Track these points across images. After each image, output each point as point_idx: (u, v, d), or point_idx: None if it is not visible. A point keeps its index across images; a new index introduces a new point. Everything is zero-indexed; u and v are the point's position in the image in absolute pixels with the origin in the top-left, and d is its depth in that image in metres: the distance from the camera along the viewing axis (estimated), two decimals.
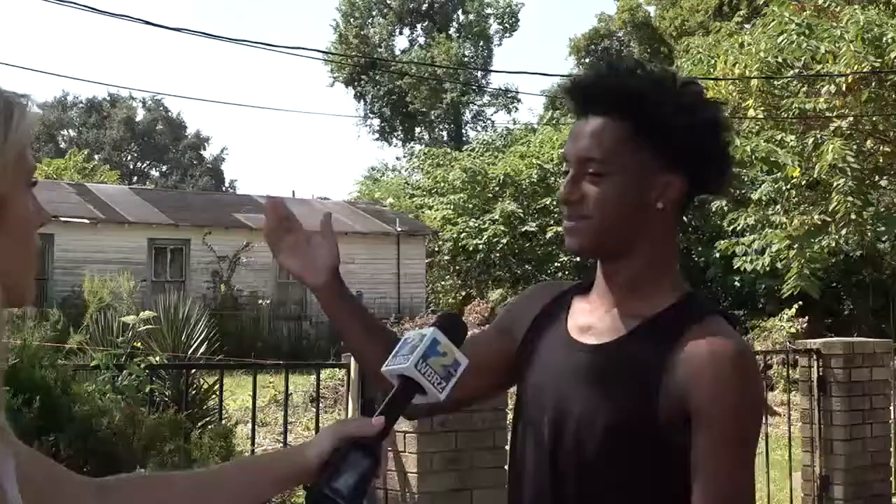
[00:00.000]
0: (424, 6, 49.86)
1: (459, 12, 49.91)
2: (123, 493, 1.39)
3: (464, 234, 25.42)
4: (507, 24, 50.46)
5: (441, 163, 30.88)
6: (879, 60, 11.79)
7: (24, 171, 1.24)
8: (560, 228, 1.79)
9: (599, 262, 1.72)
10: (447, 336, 1.51)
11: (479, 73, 48.82)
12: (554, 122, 31.72)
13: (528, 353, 1.77)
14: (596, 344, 1.66)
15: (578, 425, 1.62)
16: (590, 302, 1.73)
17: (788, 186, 14.01)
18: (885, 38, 11.64)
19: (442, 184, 28.14)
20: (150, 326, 7.23)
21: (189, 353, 7.96)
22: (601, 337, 1.66)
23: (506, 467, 5.05)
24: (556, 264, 24.55)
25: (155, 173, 58.90)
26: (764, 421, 1.83)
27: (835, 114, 12.71)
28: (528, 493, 1.70)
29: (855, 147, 12.76)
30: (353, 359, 3.77)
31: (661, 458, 1.58)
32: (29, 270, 1.25)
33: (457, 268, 26.73)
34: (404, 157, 43.57)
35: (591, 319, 1.70)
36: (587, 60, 41.06)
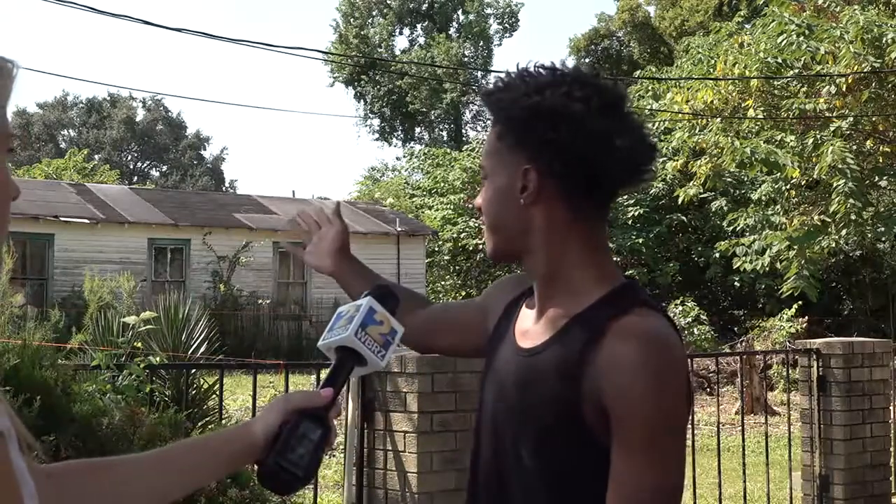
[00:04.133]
0: (424, 6, 49.87)
1: (459, 12, 49.92)
2: (70, 480, 1.36)
3: (464, 234, 25.43)
4: (507, 24, 50.49)
5: (441, 163, 30.88)
6: (879, 61, 11.80)
7: (4, 136, 1.22)
8: None
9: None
10: (382, 305, 1.51)
11: (479, 73, 48.82)
12: None
13: (488, 354, 1.80)
14: (529, 347, 1.67)
15: (516, 429, 1.63)
16: (531, 305, 1.75)
17: (788, 187, 14.02)
18: (884, 39, 11.65)
19: (442, 184, 28.16)
20: (150, 327, 7.23)
21: (189, 353, 7.95)
22: (534, 340, 1.67)
23: None
24: None
25: (155, 173, 58.89)
26: (689, 418, 1.71)
27: (835, 114, 12.71)
28: (481, 498, 1.72)
29: (855, 147, 12.77)
30: None
31: (594, 461, 1.55)
32: (1, 237, 1.22)
33: (457, 268, 26.74)
34: (404, 157, 43.58)
35: (530, 323, 1.72)
36: (587, 60, 41.05)
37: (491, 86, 1.73)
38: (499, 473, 1.67)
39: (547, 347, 1.63)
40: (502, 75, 1.74)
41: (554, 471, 1.59)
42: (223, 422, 5.59)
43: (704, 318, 19.20)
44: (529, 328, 1.71)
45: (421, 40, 49.37)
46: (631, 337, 1.54)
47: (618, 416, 1.52)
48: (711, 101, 13.36)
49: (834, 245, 13.95)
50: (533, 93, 1.64)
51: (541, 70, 1.69)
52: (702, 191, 16.02)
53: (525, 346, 1.68)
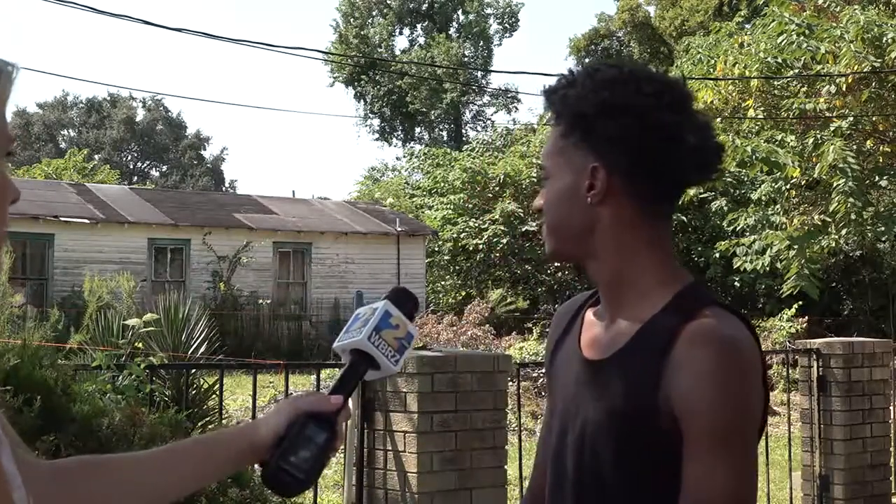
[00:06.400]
0: (424, 6, 49.86)
1: (459, 12, 49.92)
2: (71, 478, 1.35)
3: (464, 234, 25.41)
4: (507, 24, 50.50)
5: (441, 163, 30.87)
6: (879, 60, 11.80)
7: (4, 139, 1.21)
8: None
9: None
10: (399, 309, 1.49)
11: (479, 73, 48.82)
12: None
13: (552, 377, 1.76)
14: (599, 359, 1.64)
15: (594, 444, 1.59)
16: (598, 312, 1.71)
17: (788, 186, 14.01)
18: (885, 38, 11.64)
19: (442, 184, 28.13)
20: (151, 329, 7.24)
21: (189, 353, 7.95)
22: (604, 350, 1.63)
23: (505, 467, 5.05)
24: (556, 264, 24.55)
25: (155, 173, 58.87)
26: (763, 419, 1.65)
27: (835, 114, 12.71)
28: None
29: (855, 147, 12.76)
30: None
31: (675, 470, 1.52)
32: (0, 239, 1.22)
33: (457, 268, 26.72)
34: (404, 157, 43.60)
35: (598, 331, 1.68)
36: (587, 60, 41.06)
37: (554, 83, 1.69)
38: (577, 489, 1.63)
39: (619, 357, 1.59)
40: (565, 73, 1.69)
41: (636, 482, 1.55)
42: (223, 422, 5.59)
43: None
44: (597, 337, 1.67)
45: (421, 40, 49.38)
46: (701, 340, 1.51)
47: (687, 419, 1.49)
48: (711, 101, 13.36)
49: (834, 245, 13.94)
50: (601, 88, 1.61)
51: (606, 67, 1.67)
52: (702, 191, 16.03)
53: (595, 358, 1.64)
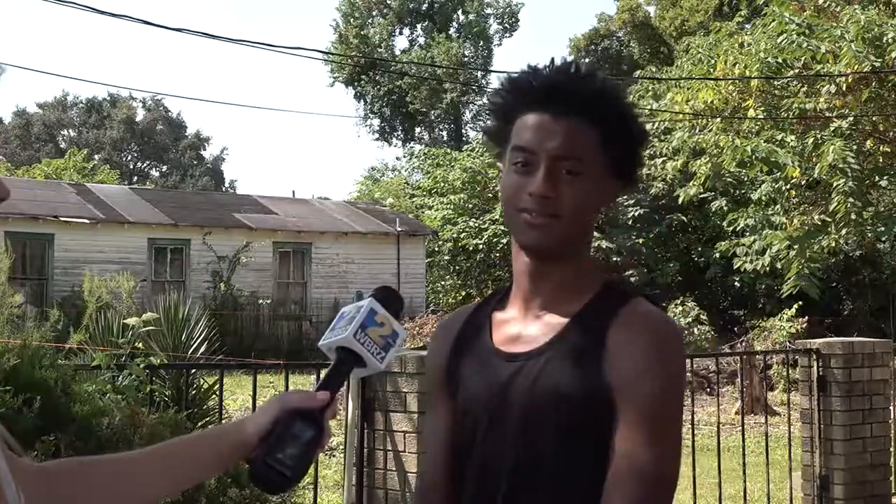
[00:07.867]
0: (424, 6, 49.86)
1: (459, 12, 49.92)
2: (62, 478, 1.36)
3: (464, 234, 25.42)
4: (507, 24, 50.50)
5: (441, 163, 30.89)
6: (879, 60, 11.79)
7: None
8: None
9: (534, 263, 1.67)
10: (384, 307, 1.50)
11: (479, 73, 48.81)
12: None
13: (456, 382, 1.73)
14: (529, 350, 1.63)
15: (533, 432, 1.59)
16: (512, 311, 1.71)
17: (788, 186, 14.01)
18: (885, 38, 11.64)
19: (442, 184, 28.15)
20: (151, 328, 7.23)
21: (189, 353, 7.95)
22: (533, 343, 1.64)
23: None
24: None
25: (155, 173, 58.88)
26: (684, 400, 1.71)
27: (835, 114, 12.71)
28: None
29: (855, 147, 12.76)
30: None
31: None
32: None
33: (457, 268, 26.73)
34: (404, 157, 43.60)
35: (519, 328, 1.68)
36: (587, 60, 41.04)
37: (599, 80, 1.70)
38: (512, 479, 1.62)
39: (555, 345, 1.61)
40: (569, 64, 1.72)
41: (584, 468, 1.56)
42: (223, 422, 5.58)
43: (704, 318, 19.19)
44: (519, 333, 1.67)
45: (421, 40, 49.38)
46: (635, 322, 1.58)
47: (622, 395, 1.53)
48: (711, 101, 13.35)
49: (834, 245, 13.93)
50: (634, 113, 1.73)
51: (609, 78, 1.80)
52: (702, 191, 16.03)
53: (521, 351, 1.64)
